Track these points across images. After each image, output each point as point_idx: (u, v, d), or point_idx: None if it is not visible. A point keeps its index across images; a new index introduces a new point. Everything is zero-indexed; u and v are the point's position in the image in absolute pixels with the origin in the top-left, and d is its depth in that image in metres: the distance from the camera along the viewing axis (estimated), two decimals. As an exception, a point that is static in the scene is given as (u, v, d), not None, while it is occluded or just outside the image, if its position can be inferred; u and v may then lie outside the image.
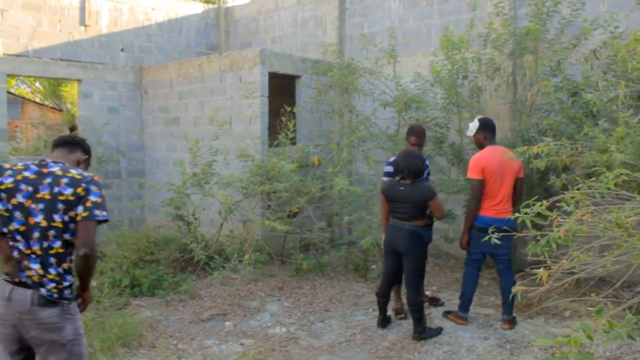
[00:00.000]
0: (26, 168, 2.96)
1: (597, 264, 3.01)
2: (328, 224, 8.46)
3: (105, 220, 2.98)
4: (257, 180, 7.82)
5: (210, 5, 12.77)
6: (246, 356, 5.06)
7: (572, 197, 2.79)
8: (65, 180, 2.91)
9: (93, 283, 6.85)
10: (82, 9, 10.14)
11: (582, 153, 4.28)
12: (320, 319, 6.08)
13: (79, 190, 2.90)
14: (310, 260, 7.73)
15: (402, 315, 6.03)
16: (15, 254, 2.91)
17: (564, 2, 7.10)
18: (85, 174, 3.00)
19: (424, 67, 8.46)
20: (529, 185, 7.17)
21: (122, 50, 10.71)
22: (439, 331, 5.54)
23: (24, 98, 21.06)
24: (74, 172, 2.97)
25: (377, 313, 5.89)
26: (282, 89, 9.69)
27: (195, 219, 8.00)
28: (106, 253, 7.63)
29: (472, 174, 5.52)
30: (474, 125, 5.61)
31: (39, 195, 2.88)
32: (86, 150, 3.34)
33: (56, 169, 2.96)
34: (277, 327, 5.87)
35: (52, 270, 2.92)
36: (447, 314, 6.00)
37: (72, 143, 3.25)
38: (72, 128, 13.74)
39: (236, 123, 8.84)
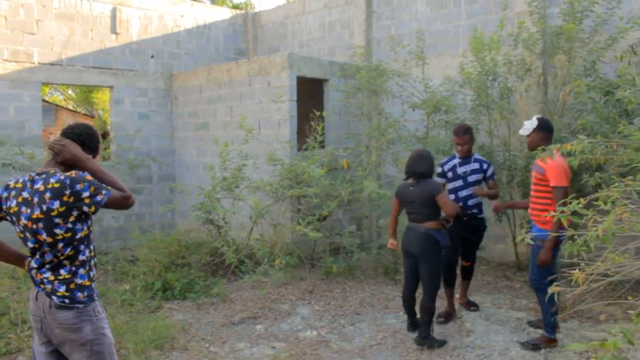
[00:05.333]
0: (24, 187, 2.97)
1: (633, 267, 2.95)
2: (358, 227, 8.44)
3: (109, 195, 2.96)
4: (286, 184, 7.84)
5: (238, 11, 12.88)
6: (277, 359, 5.07)
7: (609, 197, 2.73)
8: (48, 195, 2.87)
9: (126, 287, 6.98)
10: (113, 17, 10.32)
11: (617, 151, 4.19)
12: (351, 323, 6.07)
13: (65, 198, 2.87)
14: (340, 263, 7.73)
15: (442, 320, 5.96)
16: (34, 265, 3.00)
17: (599, 0, 6.98)
18: (63, 177, 2.90)
19: (452, 69, 8.40)
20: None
21: (152, 57, 10.87)
22: (442, 343, 5.33)
23: (57, 105, 21.47)
24: (53, 181, 2.89)
25: (407, 317, 5.85)
26: (310, 92, 9.71)
27: (226, 223, 8.05)
28: (138, 257, 7.74)
29: (564, 180, 4.88)
30: (531, 124, 5.19)
31: (34, 216, 2.90)
32: (88, 145, 3.16)
33: (39, 185, 2.91)
34: (308, 330, 5.87)
35: (63, 271, 2.98)
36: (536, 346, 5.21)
37: (81, 142, 3.12)
38: (104, 134, 13.96)
39: (265, 127, 8.89)
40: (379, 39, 10.13)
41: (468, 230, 6.04)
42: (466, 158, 6.08)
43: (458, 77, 7.90)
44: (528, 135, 5.21)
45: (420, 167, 5.35)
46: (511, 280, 7.47)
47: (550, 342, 5.16)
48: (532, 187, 5.14)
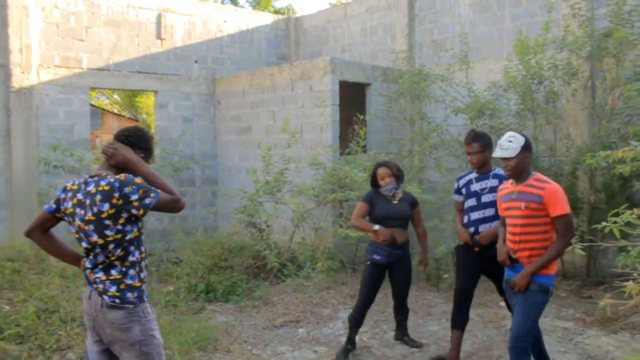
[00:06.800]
0: (79, 189, 3.05)
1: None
2: (399, 232, 8.39)
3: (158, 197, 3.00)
4: (328, 188, 7.86)
5: (280, 16, 12.98)
6: (320, 363, 5.08)
7: (665, 206, 2.66)
8: (98, 197, 2.94)
9: (170, 288, 7.10)
10: (158, 23, 10.53)
11: (671, 159, 4.08)
12: (393, 328, 6.01)
13: (115, 200, 2.93)
14: (382, 268, 7.69)
15: None
16: (89, 265, 3.07)
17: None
18: (112, 179, 2.95)
19: (496, 73, 8.30)
20: (610, 194, 6.92)
21: (196, 62, 11.04)
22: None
23: (103, 109, 22.00)
24: (103, 184, 2.95)
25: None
26: (351, 97, 9.72)
27: (268, 226, 8.12)
28: (182, 259, 7.86)
29: (568, 206, 3.93)
30: (516, 143, 3.98)
31: (86, 218, 2.97)
32: (138, 145, 3.21)
33: (91, 188, 2.98)
34: (350, 335, 5.87)
35: (114, 272, 3.05)
36: None
37: (130, 142, 3.19)
38: (149, 138, 14.21)
39: (307, 131, 8.93)
40: (421, 43, 10.08)
41: (483, 262, 4.87)
42: (484, 173, 4.95)
43: (502, 81, 7.80)
44: (511, 158, 3.96)
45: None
46: (557, 288, 7.31)
47: None
48: (520, 221, 3.96)
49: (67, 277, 6.75)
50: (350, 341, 5.29)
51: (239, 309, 6.71)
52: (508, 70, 7.45)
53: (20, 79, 8.94)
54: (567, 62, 7.30)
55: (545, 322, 6.03)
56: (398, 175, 5.28)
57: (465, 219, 4.98)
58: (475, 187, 4.94)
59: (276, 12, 18.05)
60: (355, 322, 5.28)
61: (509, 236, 4.08)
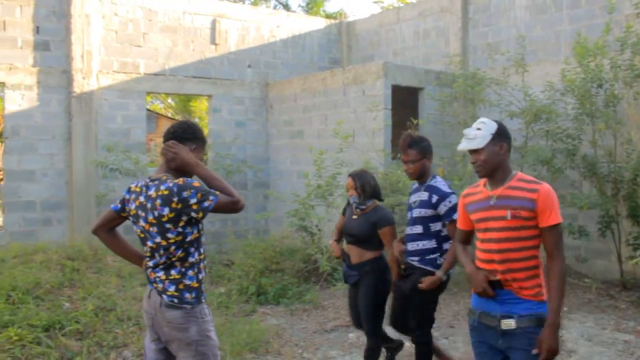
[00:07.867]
0: (141, 192, 3.11)
1: None
2: (451, 238, 8.29)
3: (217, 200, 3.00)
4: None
5: (332, 21, 13.02)
6: (371, 369, 5.04)
7: None
8: (159, 201, 2.98)
9: (222, 289, 7.20)
10: (213, 29, 10.72)
11: None
12: (445, 335, 5.95)
13: (174, 205, 2.96)
14: (433, 274, 7.60)
15: None
16: (150, 265, 3.14)
17: None
18: (171, 184, 2.98)
19: (552, 76, 8.09)
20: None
21: (249, 66, 11.19)
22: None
23: (158, 113, 22.53)
24: (163, 188, 2.99)
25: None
26: (403, 101, 9.66)
27: (319, 230, 8.13)
28: (234, 261, 7.95)
29: (560, 214, 2.95)
30: (487, 129, 3.01)
31: (149, 220, 3.04)
32: (186, 137, 3.18)
33: (152, 192, 3.03)
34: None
35: (173, 272, 3.10)
36: None
37: (177, 138, 3.17)
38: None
39: (359, 136, 8.91)
40: (475, 47, 9.93)
41: (405, 282, 4.37)
42: (422, 183, 4.29)
43: (559, 85, 7.60)
44: (479, 150, 3.00)
45: None
46: (616, 299, 7.07)
47: None
48: (503, 234, 2.94)
49: (124, 277, 6.92)
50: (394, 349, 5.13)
51: (290, 312, 6.74)
52: (565, 73, 7.26)
53: (81, 84, 9.25)
54: (630, 64, 7.06)
55: (604, 335, 5.84)
56: (364, 189, 4.46)
57: None
58: (410, 199, 4.40)
59: (328, 16, 18.11)
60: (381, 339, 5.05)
61: (482, 256, 3.06)
